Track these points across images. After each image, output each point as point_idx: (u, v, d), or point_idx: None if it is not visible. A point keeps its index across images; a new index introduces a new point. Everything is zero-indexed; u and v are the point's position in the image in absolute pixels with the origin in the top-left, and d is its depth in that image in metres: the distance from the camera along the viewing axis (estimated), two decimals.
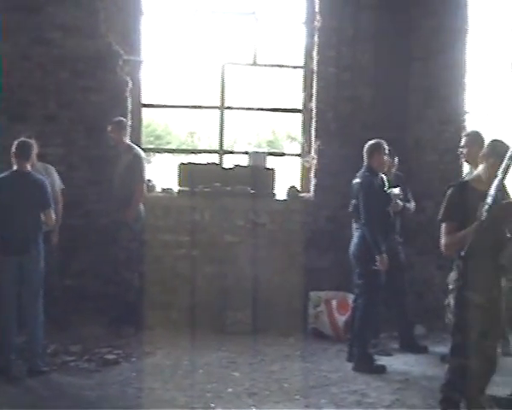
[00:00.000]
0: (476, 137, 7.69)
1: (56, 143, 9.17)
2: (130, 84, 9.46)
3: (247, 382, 7.10)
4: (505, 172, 5.21)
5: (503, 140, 5.61)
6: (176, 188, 9.58)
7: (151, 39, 10.02)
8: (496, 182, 5.20)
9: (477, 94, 10.64)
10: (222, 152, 10.03)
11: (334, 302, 8.96)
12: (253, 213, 9.38)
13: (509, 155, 5.22)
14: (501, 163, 5.31)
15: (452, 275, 5.53)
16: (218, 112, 10.06)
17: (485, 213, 5.12)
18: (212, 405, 6.40)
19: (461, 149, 7.87)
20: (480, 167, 5.53)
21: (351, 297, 8.43)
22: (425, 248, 9.26)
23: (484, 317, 5.40)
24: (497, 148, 5.48)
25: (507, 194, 5.57)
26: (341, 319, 8.83)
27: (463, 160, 7.89)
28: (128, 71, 9.46)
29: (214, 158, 10.02)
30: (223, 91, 9.97)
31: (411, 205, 8.72)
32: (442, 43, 9.76)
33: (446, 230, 5.47)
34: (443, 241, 5.46)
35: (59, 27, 9.20)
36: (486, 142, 5.99)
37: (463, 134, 8.04)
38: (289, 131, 19.82)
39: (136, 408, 6.36)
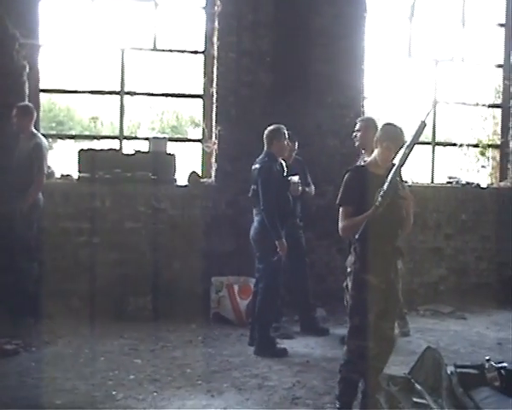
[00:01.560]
0: (369, 122, 7.84)
1: None
2: (27, 69, 9.20)
3: (149, 368, 7.03)
4: (403, 160, 5.29)
5: (395, 123, 5.70)
6: (76, 174, 9.40)
7: (49, 23, 9.79)
8: (394, 169, 5.27)
9: (375, 79, 10.82)
10: (123, 138, 9.90)
11: (235, 287, 8.97)
12: (154, 198, 9.30)
13: (406, 144, 5.31)
14: (395, 146, 5.42)
15: (350, 258, 5.58)
16: (118, 97, 9.92)
17: (379, 199, 5.19)
18: (114, 392, 6.30)
19: (355, 134, 7.98)
20: (376, 152, 5.59)
21: (252, 282, 8.43)
22: (325, 231, 9.33)
23: (381, 298, 5.47)
24: (390, 131, 5.55)
25: (401, 180, 5.64)
26: (243, 303, 8.85)
27: (357, 144, 7.99)
28: (25, 55, 9.18)
29: (115, 144, 9.88)
30: (123, 77, 9.83)
31: (311, 189, 8.79)
32: (342, 29, 9.88)
33: (343, 213, 5.51)
34: (340, 224, 5.50)
35: None
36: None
37: (357, 119, 8.14)
38: (193, 117, 19.76)
39: (36, 398, 6.18)
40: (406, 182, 6.09)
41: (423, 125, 5.40)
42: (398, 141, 5.47)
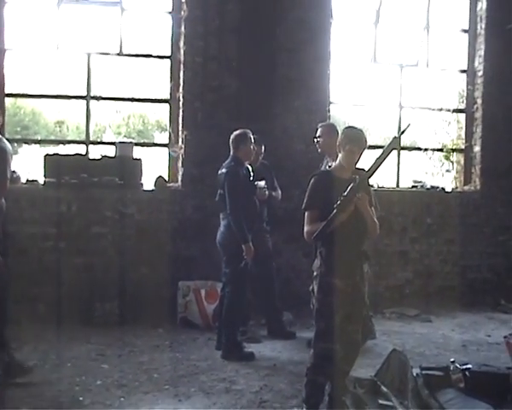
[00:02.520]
0: (331, 128, 7.93)
1: None
2: None
3: (116, 374, 7.00)
4: (372, 171, 5.35)
5: (356, 126, 5.79)
6: (42, 179, 9.35)
7: (15, 27, 9.74)
8: (360, 178, 5.32)
9: (341, 84, 10.90)
10: (89, 142, 9.87)
11: (202, 291, 8.97)
12: (121, 203, 9.27)
13: (378, 156, 5.36)
14: (358, 148, 5.51)
15: (316, 262, 5.62)
16: (84, 102, 9.89)
17: (338, 202, 5.23)
18: (81, 398, 6.27)
19: (317, 139, 8.05)
20: (340, 156, 5.64)
21: (219, 286, 8.44)
22: (292, 235, 9.35)
23: (346, 302, 5.51)
24: (352, 134, 5.61)
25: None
26: (210, 307, 8.86)
27: (319, 149, 8.07)
28: None
29: (81, 149, 9.85)
30: (89, 81, 9.80)
31: (278, 193, 8.81)
32: (308, 34, 9.92)
33: (309, 218, 5.55)
34: (305, 229, 5.55)
35: None
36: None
37: (319, 125, 8.21)
38: (160, 121, 19.72)
39: (1, 404, 6.13)
40: (372, 186, 6.11)
41: (396, 140, 5.50)
42: (360, 143, 5.55)
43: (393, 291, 10.36)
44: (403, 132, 5.66)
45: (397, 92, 10.92)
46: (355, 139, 5.55)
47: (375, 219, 5.58)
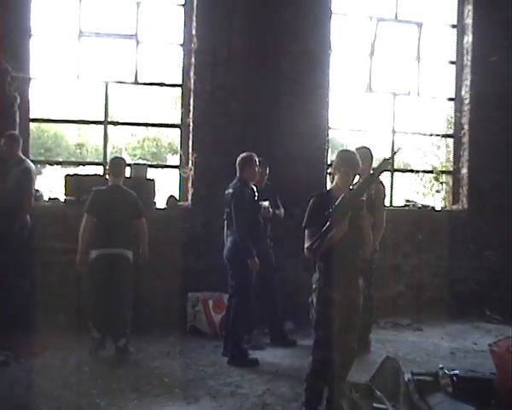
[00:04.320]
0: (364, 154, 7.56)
1: None
2: (18, 100, 9.20)
3: (130, 378, 7.00)
4: (364, 186, 5.37)
5: (351, 150, 5.88)
6: (62, 198, 9.37)
7: (39, 57, 9.82)
8: (352, 192, 5.35)
9: (339, 111, 10.94)
10: (106, 164, 9.88)
11: (210, 302, 8.97)
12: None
13: (369, 174, 5.39)
14: (352, 170, 5.58)
15: (315, 275, 5.64)
16: (102, 127, 9.94)
17: (330, 211, 5.25)
18: (98, 400, 6.29)
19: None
20: (336, 177, 5.67)
21: (226, 297, 8.44)
22: (293, 251, 9.30)
23: (343, 313, 5.52)
24: (346, 158, 5.68)
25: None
26: (217, 317, 8.85)
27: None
28: (16, 87, 9.18)
29: (99, 170, 9.88)
30: (106, 107, 9.84)
31: (281, 212, 8.81)
32: (309, 64, 9.95)
33: (308, 235, 5.57)
34: (305, 245, 5.56)
35: None
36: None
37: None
38: (172, 144, 19.79)
39: (25, 405, 6.17)
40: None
41: (387, 163, 5.53)
42: (354, 166, 5.62)
43: (387, 302, 10.31)
44: (394, 155, 5.69)
45: (390, 118, 10.92)
46: (350, 162, 5.61)
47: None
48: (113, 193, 7.96)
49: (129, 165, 9.81)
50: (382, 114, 11.24)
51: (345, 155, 5.74)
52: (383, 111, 11.20)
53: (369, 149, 7.90)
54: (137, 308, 8.69)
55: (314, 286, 5.62)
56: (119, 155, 8.21)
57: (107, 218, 7.74)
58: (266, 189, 8.62)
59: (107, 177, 8.45)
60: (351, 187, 5.65)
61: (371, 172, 5.58)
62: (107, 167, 8.40)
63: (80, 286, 8.75)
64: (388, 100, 10.95)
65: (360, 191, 5.38)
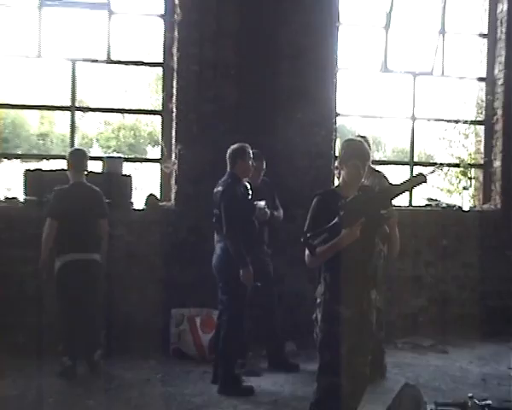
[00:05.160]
0: None
1: None
2: None
3: None
4: (386, 198, 5.35)
5: (356, 138, 5.83)
6: (22, 197, 9.37)
7: None
8: (366, 197, 5.33)
9: (348, 94, 10.96)
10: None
11: (197, 320, 8.99)
12: (109, 224, 9.28)
13: (397, 187, 5.34)
14: (362, 162, 5.46)
15: (320, 288, 5.62)
16: (69, 113, 9.93)
17: (340, 213, 5.23)
18: None
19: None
20: (343, 173, 5.61)
21: (216, 314, 8.46)
22: (296, 259, 9.29)
23: (353, 331, 5.52)
24: (353, 147, 5.59)
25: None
26: (206, 337, 8.86)
27: None
28: None
29: (66, 164, 9.87)
30: (74, 90, 9.84)
31: (280, 213, 8.82)
32: (312, 40, 9.94)
33: None
34: (306, 252, 5.53)
35: None
36: None
37: None
38: (152, 134, 19.80)
39: None
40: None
41: (422, 178, 5.30)
42: (363, 156, 5.52)
43: (406, 320, 10.35)
44: (432, 172, 5.56)
45: (409, 103, 10.95)
46: (357, 153, 5.53)
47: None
48: (77, 192, 8.09)
49: (101, 158, 9.84)
50: (400, 98, 11.27)
51: (351, 145, 5.69)
52: (401, 94, 11.23)
53: (365, 137, 7.88)
54: (111, 328, 8.72)
55: (318, 300, 5.61)
56: (79, 147, 8.33)
57: (72, 220, 7.89)
58: (262, 186, 8.64)
59: (67, 173, 8.48)
60: (363, 181, 5.63)
61: (398, 182, 5.45)
62: (67, 162, 8.52)
63: (43, 302, 8.77)
64: (407, 81, 10.99)
65: (378, 202, 5.33)
